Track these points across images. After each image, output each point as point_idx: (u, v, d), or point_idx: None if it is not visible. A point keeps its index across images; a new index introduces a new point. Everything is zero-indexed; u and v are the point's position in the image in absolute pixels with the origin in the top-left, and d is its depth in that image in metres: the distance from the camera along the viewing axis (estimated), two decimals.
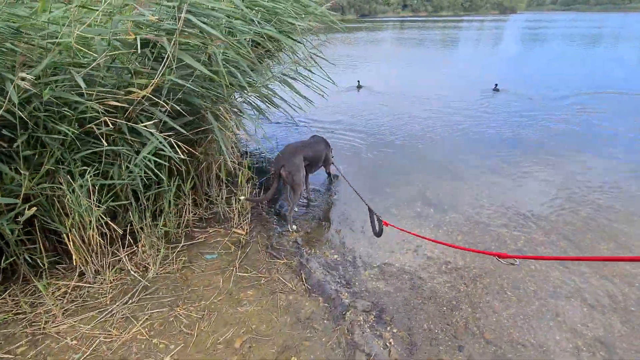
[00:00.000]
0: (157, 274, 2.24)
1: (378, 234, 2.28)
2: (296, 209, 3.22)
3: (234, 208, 2.99)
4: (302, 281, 2.33)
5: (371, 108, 6.71)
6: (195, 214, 2.93)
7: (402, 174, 3.97)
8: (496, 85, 7.83)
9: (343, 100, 7.41)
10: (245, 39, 2.06)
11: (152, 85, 1.82)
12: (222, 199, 3.06)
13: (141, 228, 2.30)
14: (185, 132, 2.01)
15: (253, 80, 2.41)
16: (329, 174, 3.79)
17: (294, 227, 2.94)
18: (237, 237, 2.74)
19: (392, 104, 7.08)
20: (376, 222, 2.30)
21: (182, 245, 2.56)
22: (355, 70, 10.64)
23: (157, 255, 2.29)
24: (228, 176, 3.51)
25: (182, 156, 1.94)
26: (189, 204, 2.74)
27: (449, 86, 8.56)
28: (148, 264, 2.27)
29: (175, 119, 2.24)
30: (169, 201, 2.47)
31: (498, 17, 63.67)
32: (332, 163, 3.61)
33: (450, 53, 15.46)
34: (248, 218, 3.01)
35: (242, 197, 2.97)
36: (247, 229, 2.84)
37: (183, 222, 2.68)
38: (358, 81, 8.53)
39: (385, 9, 78.24)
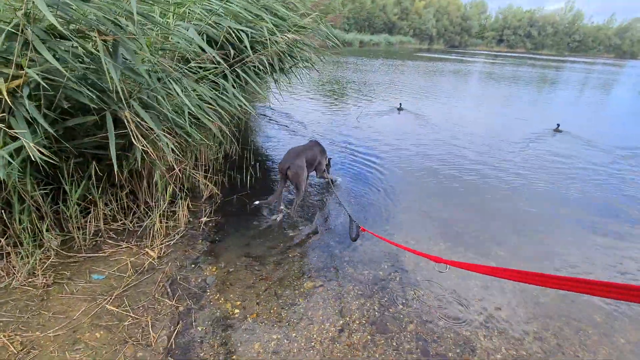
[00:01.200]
0: (20, 284, 2.00)
1: (354, 239, 2.50)
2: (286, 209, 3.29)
3: (164, 224, 2.68)
4: (171, 336, 1.87)
5: (401, 133, 6.01)
6: (121, 224, 2.68)
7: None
8: (558, 125, 6.83)
9: (379, 121, 6.84)
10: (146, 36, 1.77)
11: (20, 79, 1.60)
12: (158, 211, 2.77)
13: (24, 229, 2.09)
14: (51, 130, 1.74)
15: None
16: (322, 177, 3.71)
17: (293, 216, 3.21)
18: (145, 259, 2.40)
19: (429, 133, 6.28)
20: (354, 229, 2.44)
21: (80, 257, 2.31)
22: (414, 100, 9.90)
23: (26, 264, 2.05)
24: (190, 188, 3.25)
25: (47, 158, 1.67)
26: (100, 211, 2.49)
27: (509, 125, 7.38)
28: (16, 271, 2.04)
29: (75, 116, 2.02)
30: (70, 206, 2.24)
31: (612, 61, 55.84)
32: (324, 170, 3.63)
33: (539, 95, 13.58)
34: (175, 238, 2.66)
35: (256, 202, 3.16)
36: (161, 252, 2.48)
37: (89, 231, 2.43)
38: (400, 103, 8.18)
39: (478, 42, 74.56)
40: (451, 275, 2.57)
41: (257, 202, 3.15)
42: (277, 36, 2.76)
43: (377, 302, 2.28)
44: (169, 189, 2.91)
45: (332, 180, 3.74)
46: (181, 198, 2.89)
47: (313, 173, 3.58)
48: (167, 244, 2.59)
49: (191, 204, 3.19)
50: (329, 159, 3.79)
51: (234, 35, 2.67)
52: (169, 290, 2.18)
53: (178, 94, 2.02)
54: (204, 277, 2.36)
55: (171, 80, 2.03)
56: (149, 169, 2.74)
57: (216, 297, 2.20)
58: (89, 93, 1.78)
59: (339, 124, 6.66)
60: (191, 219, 2.98)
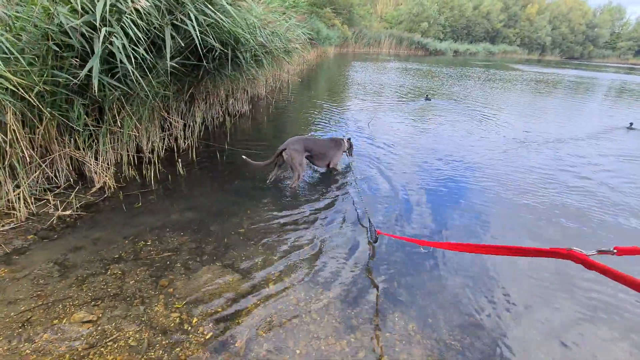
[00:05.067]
0: None
1: (374, 241, 2.46)
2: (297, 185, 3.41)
3: None
4: None
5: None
6: None
7: None
8: (631, 124, 7.12)
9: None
10: None
11: None
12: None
13: None
14: None
15: None
16: (331, 170, 3.85)
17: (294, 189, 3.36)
18: None
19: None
20: (372, 232, 2.43)
21: None
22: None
23: None
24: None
25: None
26: None
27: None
28: None
29: None
30: None
31: None
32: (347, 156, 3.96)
33: None
34: None
35: (243, 156, 3.35)
36: None
37: None
38: (427, 94, 9.03)
39: (607, 53, 62.35)
40: None
41: (245, 157, 3.35)
42: None
43: None
44: (33, 174, 2.63)
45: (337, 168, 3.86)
46: (23, 185, 2.55)
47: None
48: None
49: (77, 194, 2.87)
50: (349, 139, 3.97)
51: None
52: None
53: None
54: None
55: None
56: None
57: None
58: None
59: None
60: (52, 211, 2.65)
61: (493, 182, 3.91)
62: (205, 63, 3.64)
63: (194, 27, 2.65)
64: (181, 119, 4.50)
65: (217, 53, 3.56)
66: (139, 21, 2.44)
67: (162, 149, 3.95)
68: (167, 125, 4.20)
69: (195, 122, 4.71)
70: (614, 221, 3.21)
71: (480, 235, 2.84)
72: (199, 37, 2.72)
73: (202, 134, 4.71)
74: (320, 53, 22.52)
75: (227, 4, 2.90)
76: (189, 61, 3.50)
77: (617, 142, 6.16)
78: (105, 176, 3.06)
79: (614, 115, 9.03)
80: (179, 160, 3.72)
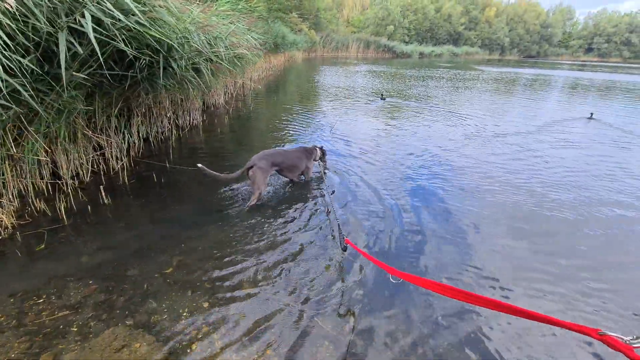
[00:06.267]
0: None
1: (343, 249, 2.30)
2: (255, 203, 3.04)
3: None
4: None
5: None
6: None
7: None
8: (592, 114, 7.49)
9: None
10: None
11: None
12: None
13: None
14: None
15: None
16: (303, 180, 3.68)
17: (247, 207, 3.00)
18: None
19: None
20: (341, 239, 2.31)
21: None
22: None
23: None
24: None
25: None
26: None
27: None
28: None
29: None
30: None
31: None
32: (324, 166, 3.76)
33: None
34: None
35: (199, 165, 2.98)
36: None
37: None
38: (382, 94, 9.44)
39: (561, 51, 66.11)
40: None
41: (201, 165, 2.99)
42: None
43: None
44: None
45: (324, 173, 3.71)
46: None
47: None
48: None
49: None
50: (321, 147, 3.78)
51: None
52: None
53: None
54: None
55: None
56: None
57: None
58: None
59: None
60: None
61: (461, 177, 3.68)
62: (131, 72, 3.16)
63: (100, 30, 2.18)
64: (118, 136, 3.97)
65: (144, 61, 3.10)
66: (13, 25, 1.95)
67: (87, 173, 3.41)
68: (96, 145, 3.66)
69: (130, 139, 4.19)
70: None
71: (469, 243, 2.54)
72: (100, 42, 2.26)
73: (141, 151, 4.19)
74: (288, 58, 22.24)
75: (139, 3, 2.45)
76: (112, 71, 3.02)
77: (579, 133, 6.23)
78: (2, 213, 2.51)
79: (572, 108, 9.29)
80: (102, 185, 3.19)
